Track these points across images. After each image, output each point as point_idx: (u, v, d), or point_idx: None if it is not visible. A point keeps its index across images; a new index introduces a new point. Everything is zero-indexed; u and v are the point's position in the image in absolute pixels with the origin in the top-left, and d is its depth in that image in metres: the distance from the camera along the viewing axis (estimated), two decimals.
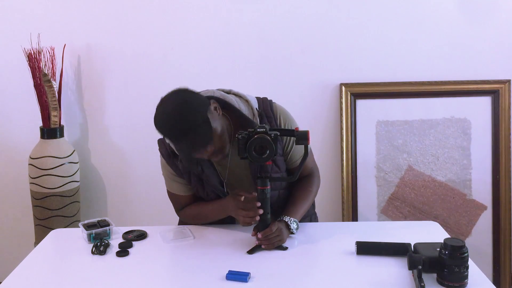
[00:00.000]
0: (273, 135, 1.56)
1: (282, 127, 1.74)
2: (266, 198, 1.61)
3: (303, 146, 1.65)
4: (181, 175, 1.75)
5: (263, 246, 1.61)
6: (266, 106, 1.74)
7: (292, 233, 1.68)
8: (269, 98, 1.80)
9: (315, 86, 2.64)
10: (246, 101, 1.72)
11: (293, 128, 1.69)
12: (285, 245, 1.63)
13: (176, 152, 1.67)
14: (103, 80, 2.69)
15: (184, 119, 1.50)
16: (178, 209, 1.88)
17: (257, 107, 1.73)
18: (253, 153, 1.55)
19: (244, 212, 1.62)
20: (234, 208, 1.65)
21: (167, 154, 1.73)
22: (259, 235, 1.60)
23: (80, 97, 2.72)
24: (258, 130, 1.57)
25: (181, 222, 1.96)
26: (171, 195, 1.86)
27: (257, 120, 1.68)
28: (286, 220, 1.67)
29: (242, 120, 1.65)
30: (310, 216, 1.92)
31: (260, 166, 1.70)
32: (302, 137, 1.59)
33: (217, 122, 1.58)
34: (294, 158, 1.77)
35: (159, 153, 1.77)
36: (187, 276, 1.47)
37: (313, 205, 1.94)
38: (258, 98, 1.78)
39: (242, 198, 1.63)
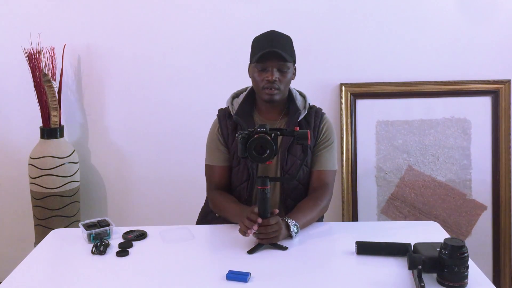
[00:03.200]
0: (273, 135, 1.57)
1: (322, 132, 1.87)
2: (266, 197, 1.61)
3: (333, 157, 1.86)
4: (226, 140, 1.87)
5: (258, 240, 1.60)
6: (319, 110, 1.93)
7: (290, 236, 1.66)
8: None
9: (315, 86, 2.64)
10: (304, 96, 1.92)
11: (332, 139, 1.87)
12: (285, 245, 1.63)
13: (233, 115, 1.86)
14: (103, 80, 2.69)
15: (289, 37, 1.85)
16: (211, 188, 1.93)
17: (310, 103, 1.90)
18: (253, 153, 1.56)
19: (245, 220, 1.61)
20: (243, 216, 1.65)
21: (223, 114, 1.90)
22: (259, 224, 1.59)
23: (80, 97, 2.72)
24: (258, 129, 1.58)
25: (203, 211, 2.02)
26: (208, 169, 1.93)
27: (304, 111, 1.85)
28: (288, 222, 1.66)
29: (291, 102, 1.87)
30: None
31: (288, 154, 1.81)
32: (302, 137, 1.60)
33: (292, 76, 1.84)
34: (319, 161, 1.85)
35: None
36: (187, 276, 1.47)
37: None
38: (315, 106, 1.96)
39: (255, 209, 1.62)
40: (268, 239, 1.60)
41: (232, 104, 1.90)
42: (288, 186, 1.84)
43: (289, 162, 1.82)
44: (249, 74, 1.87)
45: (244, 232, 1.61)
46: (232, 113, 1.87)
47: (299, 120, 1.84)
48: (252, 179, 1.84)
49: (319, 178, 1.86)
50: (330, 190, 1.88)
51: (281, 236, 1.62)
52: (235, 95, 1.94)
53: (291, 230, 1.65)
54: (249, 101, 1.90)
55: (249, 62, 1.87)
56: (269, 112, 1.88)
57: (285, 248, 1.61)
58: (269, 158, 1.57)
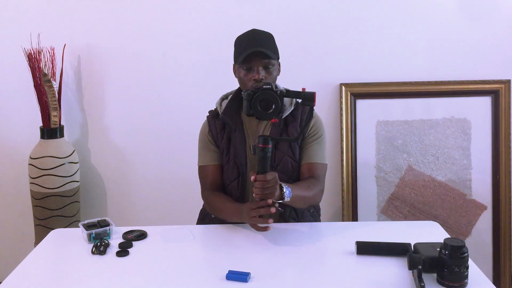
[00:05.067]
0: (279, 92, 1.59)
1: (310, 126, 1.85)
2: (266, 156, 1.58)
3: (323, 151, 1.84)
4: (215, 139, 1.88)
5: (254, 195, 1.58)
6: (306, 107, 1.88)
7: (282, 198, 1.62)
8: None
9: (315, 86, 2.64)
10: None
11: (320, 133, 1.86)
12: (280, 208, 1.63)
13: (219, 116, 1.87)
14: (103, 80, 2.69)
15: (270, 34, 1.84)
16: (205, 188, 1.93)
17: (297, 99, 1.87)
18: (258, 108, 1.55)
19: (256, 210, 1.60)
20: (247, 212, 1.64)
21: (212, 115, 1.92)
22: (253, 178, 1.58)
23: (80, 97, 2.72)
24: (264, 87, 1.59)
25: (202, 213, 2.02)
26: (201, 171, 1.94)
27: (291, 107, 1.84)
28: (282, 184, 1.63)
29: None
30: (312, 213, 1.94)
31: (276, 149, 1.80)
32: (309, 98, 1.60)
33: (278, 72, 1.84)
34: (307, 154, 1.85)
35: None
36: (187, 276, 1.47)
37: (317, 212, 1.98)
38: None
39: (253, 177, 1.59)
40: (265, 195, 1.57)
41: (220, 105, 1.92)
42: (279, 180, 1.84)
43: (277, 158, 1.83)
44: (235, 74, 1.88)
45: (262, 228, 1.60)
46: (219, 113, 1.90)
47: (285, 116, 1.85)
48: (243, 176, 1.85)
49: (308, 171, 1.85)
50: (322, 182, 1.87)
51: (274, 194, 1.58)
52: (225, 97, 1.96)
53: (284, 191, 1.62)
54: (236, 100, 1.90)
55: (233, 63, 1.87)
56: None
57: (282, 210, 1.64)
58: (274, 114, 1.56)
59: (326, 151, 1.92)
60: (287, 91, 1.66)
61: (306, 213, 1.91)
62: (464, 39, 2.62)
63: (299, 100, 1.90)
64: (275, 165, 1.83)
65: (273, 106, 1.56)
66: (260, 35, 1.82)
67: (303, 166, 1.86)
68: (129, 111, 2.72)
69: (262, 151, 1.59)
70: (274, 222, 1.79)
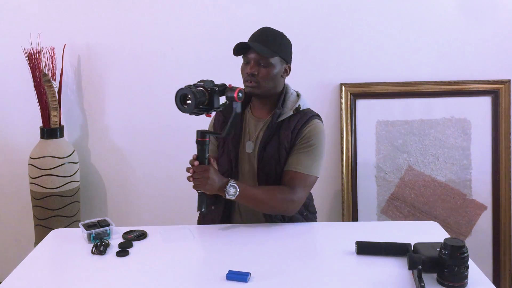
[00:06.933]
0: (209, 89, 1.65)
1: (302, 135, 1.81)
2: (204, 149, 1.69)
3: (310, 161, 1.78)
4: (216, 131, 1.93)
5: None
6: (308, 114, 1.86)
7: (224, 195, 1.69)
8: None
9: (315, 86, 2.64)
10: (298, 96, 1.90)
11: (312, 143, 1.80)
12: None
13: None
14: (103, 80, 2.69)
15: (280, 34, 1.87)
16: None
17: (300, 105, 1.85)
18: (178, 102, 1.62)
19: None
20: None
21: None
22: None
23: (80, 97, 2.72)
24: (198, 83, 1.67)
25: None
26: None
27: (289, 112, 1.83)
28: (229, 181, 1.69)
29: (283, 101, 1.85)
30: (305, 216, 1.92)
31: (264, 151, 1.82)
32: (230, 89, 1.68)
33: (280, 73, 1.83)
34: (290, 161, 1.81)
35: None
36: (187, 276, 1.47)
37: (312, 214, 1.96)
38: (312, 111, 1.90)
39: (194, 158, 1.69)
40: (195, 185, 1.67)
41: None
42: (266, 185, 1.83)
43: (263, 161, 1.82)
44: None
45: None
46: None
47: (281, 119, 1.82)
48: (232, 170, 1.87)
49: (287, 178, 1.79)
50: (297, 192, 1.76)
51: (208, 187, 1.66)
52: None
53: (226, 189, 1.68)
54: (245, 97, 1.88)
55: None
56: (259, 109, 1.90)
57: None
58: (189, 109, 1.60)
59: (317, 163, 1.81)
60: (217, 87, 1.69)
61: (297, 216, 1.87)
62: (464, 39, 2.62)
63: (300, 105, 1.87)
64: (261, 167, 1.82)
65: (188, 102, 1.61)
66: (264, 33, 1.83)
67: (284, 172, 1.81)
68: (129, 111, 2.72)
69: (199, 143, 1.69)
70: (261, 222, 1.79)
